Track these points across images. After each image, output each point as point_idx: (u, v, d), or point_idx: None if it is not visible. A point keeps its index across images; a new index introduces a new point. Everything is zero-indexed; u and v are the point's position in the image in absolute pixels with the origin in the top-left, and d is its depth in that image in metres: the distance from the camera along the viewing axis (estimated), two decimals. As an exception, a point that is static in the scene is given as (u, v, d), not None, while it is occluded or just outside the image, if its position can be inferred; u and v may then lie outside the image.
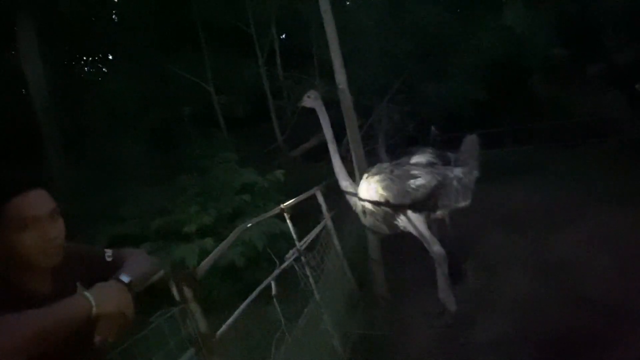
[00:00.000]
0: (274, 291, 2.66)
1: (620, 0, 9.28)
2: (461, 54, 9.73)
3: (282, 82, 12.30)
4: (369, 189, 4.01)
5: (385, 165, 4.17)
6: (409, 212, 3.89)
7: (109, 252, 1.43)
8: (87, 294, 1.10)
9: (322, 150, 4.81)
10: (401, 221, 3.95)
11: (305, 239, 3.59)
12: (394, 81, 10.08)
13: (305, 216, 4.52)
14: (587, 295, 3.42)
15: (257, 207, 6.06)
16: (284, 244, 5.08)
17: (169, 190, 6.50)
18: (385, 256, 4.54)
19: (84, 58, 13.94)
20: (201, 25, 11.21)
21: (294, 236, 3.42)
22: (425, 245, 3.88)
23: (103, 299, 1.10)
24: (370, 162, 4.47)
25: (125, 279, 1.24)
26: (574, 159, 8.26)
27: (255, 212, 5.67)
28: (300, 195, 3.88)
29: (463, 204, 4.11)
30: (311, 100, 4.38)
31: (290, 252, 3.26)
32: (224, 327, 2.01)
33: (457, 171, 4.12)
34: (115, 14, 12.86)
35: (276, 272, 2.83)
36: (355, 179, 4.34)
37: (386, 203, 3.92)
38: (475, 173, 4.20)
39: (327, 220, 4.25)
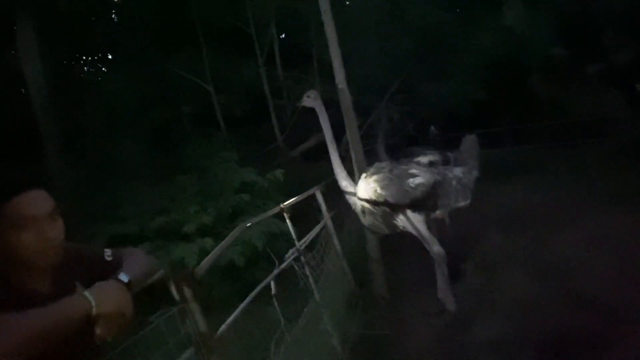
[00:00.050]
0: (273, 291, 2.66)
1: (620, 0, 9.28)
2: (461, 54, 9.73)
3: (282, 82, 12.29)
4: (368, 189, 4.01)
5: (384, 164, 4.17)
6: (409, 212, 3.89)
7: (108, 252, 1.43)
8: (86, 293, 1.10)
9: (322, 150, 4.81)
10: (400, 221, 3.95)
11: (304, 239, 3.59)
12: (394, 81, 10.09)
13: (304, 216, 4.52)
14: (587, 295, 3.42)
15: (256, 206, 6.06)
16: (283, 243, 5.09)
17: (168, 190, 6.50)
18: (384, 256, 4.54)
19: (84, 58, 13.92)
20: (201, 25, 11.21)
21: (294, 236, 3.42)
22: (425, 245, 3.88)
23: (103, 299, 1.10)
24: (370, 162, 4.47)
25: (124, 278, 1.24)
26: (574, 159, 8.25)
27: (254, 212, 5.69)
28: (300, 195, 3.88)
29: (462, 203, 4.11)
30: (311, 100, 4.38)
31: (290, 251, 3.26)
32: (223, 326, 2.01)
33: (457, 171, 4.12)
34: (115, 13, 12.85)
35: (276, 271, 2.83)
36: (354, 178, 4.34)
37: (385, 203, 3.92)
38: (475, 173, 4.20)
39: (326, 220, 4.25)
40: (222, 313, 2.28)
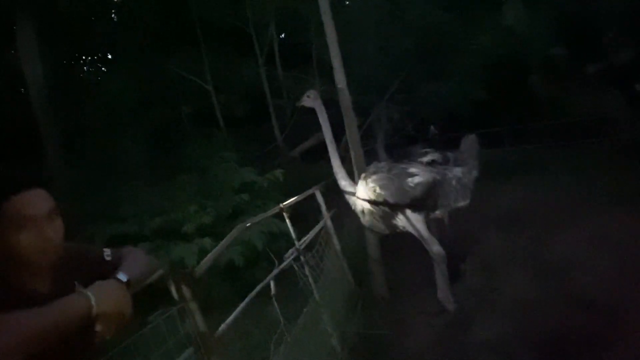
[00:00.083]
0: (273, 291, 2.66)
1: (620, 0, 9.28)
2: (461, 54, 9.72)
3: (282, 82, 12.30)
4: (367, 189, 4.01)
5: (383, 164, 4.17)
6: (408, 212, 3.89)
7: (107, 252, 1.43)
8: (87, 292, 1.10)
9: (322, 149, 4.81)
10: (400, 221, 3.95)
11: (304, 239, 3.59)
12: (393, 81, 10.08)
13: (304, 216, 4.52)
14: (586, 295, 3.41)
15: (256, 206, 6.06)
16: (283, 243, 5.09)
17: (168, 190, 6.51)
18: (384, 256, 4.54)
19: (84, 58, 13.93)
20: (201, 25, 11.21)
21: (293, 236, 3.42)
22: (425, 245, 3.88)
23: (102, 298, 1.10)
24: (370, 161, 4.47)
25: (123, 277, 1.24)
26: (574, 159, 8.23)
27: (254, 212, 5.69)
28: (300, 195, 3.88)
29: (462, 203, 4.11)
30: (310, 99, 4.38)
31: (290, 251, 3.26)
32: (223, 326, 2.01)
33: (457, 171, 4.12)
34: (115, 13, 12.85)
35: (275, 271, 2.83)
36: (354, 178, 4.34)
37: (384, 202, 3.92)
38: (475, 173, 4.20)
39: (326, 219, 4.25)
40: (222, 313, 2.28)
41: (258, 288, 2.51)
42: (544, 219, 5.26)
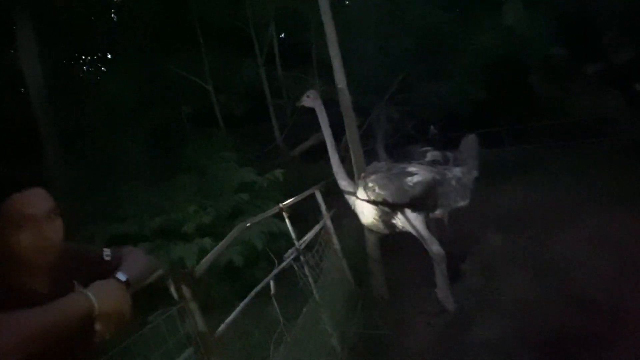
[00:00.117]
0: (272, 290, 2.65)
1: (620, 0, 9.28)
2: (461, 54, 9.73)
3: (282, 82, 12.31)
4: (367, 188, 4.01)
5: (382, 164, 4.17)
6: (408, 212, 3.89)
7: (107, 252, 1.43)
8: (87, 292, 1.10)
9: (321, 149, 4.81)
10: (399, 220, 3.95)
11: (304, 239, 3.58)
12: (393, 81, 10.09)
13: (304, 216, 4.52)
14: (586, 295, 3.41)
15: (256, 206, 6.06)
16: (283, 243, 5.09)
17: (167, 190, 6.51)
18: (384, 255, 4.54)
19: (83, 57, 13.94)
20: (200, 24, 11.21)
21: (293, 236, 3.42)
22: (424, 244, 3.88)
23: (102, 297, 1.10)
24: (369, 161, 4.47)
25: (122, 277, 1.24)
26: (574, 159, 8.24)
27: (254, 212, 5.69)
28: (299, 195, 3.88)
29: (462, 203, 4.11)
30: (310, 99, 4.38)
31: (289, 251, 3.25)
32: (222, 326, 2.01)
33: (456, 171, 4.12)
34: (114, 13, 12.86)
35: (275, 271, 2.83)
36: (354, 178, 4.34)
37: (384, 202, 3.92)
38: (475, 173, 4.20)
39: (326, 219, 4.25)
40: (222, 313, 2.28)
41: (258, 288, 2.51)
42: (544, 219, 5.25)
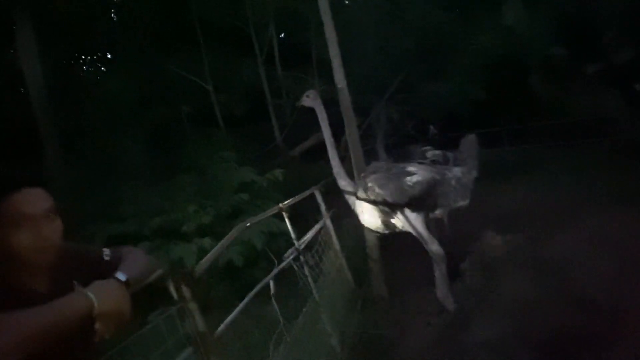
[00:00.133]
0: (272, 290, 2.65)
1: (620, 0, 9.28)
2: (461, 54, 9.74)
3: (281, 82, 12.31)
4: (366, 188, 4.01)
5: (382, 163, 4.17)
6: (407, 211, 3.89)
7: (106, 251, 1.43)
8: (87, 292, 1.09)
9: (321, 149, 4.81)
10: (399, 220, 3.95)
11: (304, 239, 3.58)
12: (393, 81, 10.09)
13: (304, 215, 4.52)
14: (586, 295, 3.41)
15: (256, 206, 6.06)
16: (282, 243, 5.10)
17: (167, 190, 6.51)
18: (384, 255, 4.53)
19: (83, 57, 13.93)
20: (200, 24, 11.22)
21: (293, 235, 3.42)
22: (424, 244, 3.88)
23: (102, 297, 1.10)
24: (369, 161, 4.47)
25: (122, 277, 1.23)
26: (573, 159, 8.23)
27: (254, 212, 5.69)
28: (299, 195, 3.88)
29: (462, 203, 4.11)
30: (310, 99, 4.37)
31: (289, 251, 3.25)
32: (222, 326, 2.01)
33: (456, 170, 4.12)
34: (114, 13, 12.86)
35: (275, 271, 2.83)
36: (353, 178, 4.34)
37: (383, 202, 3.92)
38: (474, 173, 4.20)
39: (325, 219, 4.25)
40: (221, 313, 2.28)
41: (257, 288, 2.51)
42: (544, 219, 5.25)
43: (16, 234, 1.10)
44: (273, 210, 3.43)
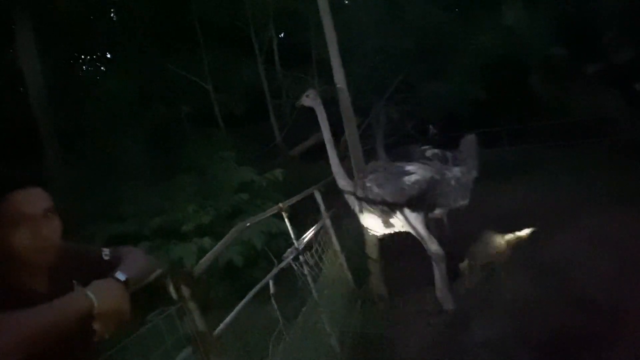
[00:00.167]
0: (272, 290, 2.65)
1: (620, 0, 9.29)
2: (460, 54, 9.74)
3: (281, 81, 12.32)
4: (366, 188, 4.01)
5: (381, 163, 4.17)
6: (407, 211, 3.89)
7: (106, 251, 1.43)
8: (87, 291, 1.09)
9: (321, 149, 4.81)
10: (399, 220, 3.95)
11: (303, 238, 3.58)
12: (393, 80, 10.09)
13: (303, 215, 4.51)
14: (586, 295, 3.41)
15: (255, 206, 6.06)
16: (282, 243, 5.09)
17: (167, 190, 6.51)
18: (383, 255, 4.53)
19: (83, 57, 13.93)
20: (200, 24, 11.22)
21: (292, 235, 3.42)
22: (423, 244, 3.88)
23: (102, 297, 1.10)
24: (369, 161, 4.48)
25: (121, 277, 1.23)
26: (573, 159, 8.23)
27: (253, 211, 5.68)
28: (299, 195, 3.87)
29: (461, 203, 4.11)
30: (310, 99, 4.37)
31: (289, 251, 3.25)
32: (221, 326, 2.01)
33: (456, 170, 4.12)
34: (114, 13, 12.86)
35: (274, 271, 2.83)
36: (353, 178, 4.33)
37: (383, 201, 3.92)
38: (474, 173, 4.20)
39: (325, 219, 4.25)
40: (221, 312, 2.28)
41: (257, 287, 2.51)
42: (544, 218, 5.25)
43: (16, 233, 1.09)
44: (273, 210, 3.42)
